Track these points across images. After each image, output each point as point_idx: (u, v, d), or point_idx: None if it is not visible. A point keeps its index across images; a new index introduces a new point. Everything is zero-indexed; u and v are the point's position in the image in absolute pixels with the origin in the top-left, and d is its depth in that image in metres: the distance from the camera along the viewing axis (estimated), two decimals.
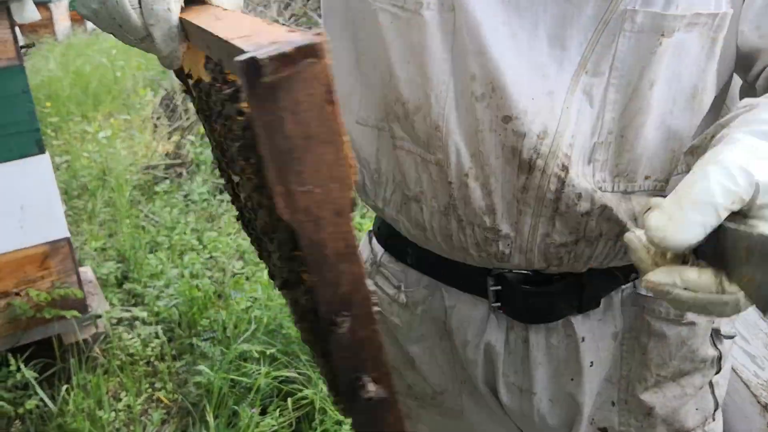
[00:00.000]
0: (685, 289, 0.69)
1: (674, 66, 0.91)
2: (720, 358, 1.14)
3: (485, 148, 0.94)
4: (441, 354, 1.19)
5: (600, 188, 0.94)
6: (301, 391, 2.61)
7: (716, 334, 1.13)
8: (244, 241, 3.68)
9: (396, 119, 1.01)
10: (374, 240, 1.25)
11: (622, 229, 0.95)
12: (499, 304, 1.08)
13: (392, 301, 1.20)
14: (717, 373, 1.15)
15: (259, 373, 2.63)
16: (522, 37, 0.91)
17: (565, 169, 0.92)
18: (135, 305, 3.40)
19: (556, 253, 0.99)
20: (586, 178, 0.93)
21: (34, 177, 2.68)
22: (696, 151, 0.85)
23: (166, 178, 4.81)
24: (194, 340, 3.02)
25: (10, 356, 2.73)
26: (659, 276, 0.71)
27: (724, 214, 0.67)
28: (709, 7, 0.88)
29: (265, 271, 3.17)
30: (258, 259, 3.47)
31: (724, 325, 1.14)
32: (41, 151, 2.67)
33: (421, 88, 0.96)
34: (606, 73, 0.90)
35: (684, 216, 0.66)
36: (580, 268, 1.01)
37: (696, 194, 0.67)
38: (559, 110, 0.91)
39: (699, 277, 0.68)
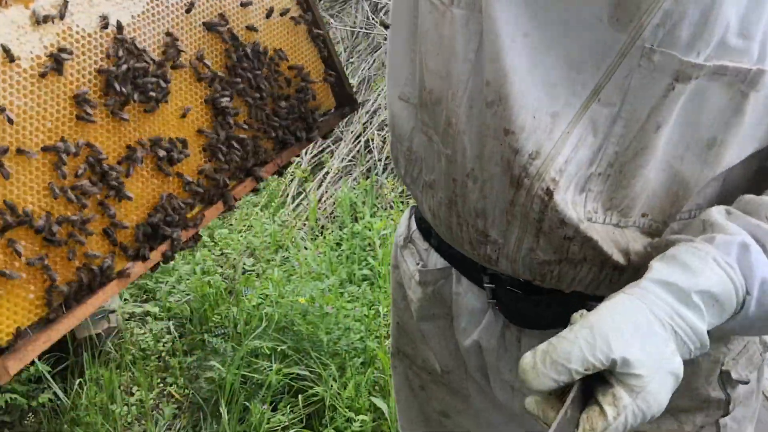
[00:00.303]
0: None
1: (691, 112, 0.88)
2: (728, 402, 1.11)
3: (487, 154, 0.96)
4: (450, 335, 1.23)
5: (590, 218, 0.93)
6: (311, 388, 2.63)
7: (727, 378, 1.10)
8: (255, 238, 3.71)
9: (424, 105, 1.04)
10: (413, 216, 1.29)
11: (608, 258, 0.94)
12: (495, 301, 1.10)
13: (411, 276, 1.25)
14: (725, 415, 1.13)
15: (271, 370, 2.65)
16: (540, 52, 0.89)
17: (549, 193, 0.91)
18: (146, 301, 3.43)
19: (539, 268, 1.00)
20: (576, 207, 0.93)
21: None
22: (656, 248, 0.90)
23: None
24: (205, 336, 3.05)
25: None
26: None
27: (578, 376, 0.76)
28: (742, 62, 0.85)
29: (276, 269, 3.19)
30: (269, 257, 3.50)
31: (740, 369, 1.11)
32: None
33: (443, 81, 0.98)
34: (617, 105, 0.88)
35: (540, 371, 0.77)
36: (564, 288, 1.01)
37: (558, 354, 0.76)
38: (558, 133, 0.90)
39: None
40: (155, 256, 0.98)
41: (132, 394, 2.82)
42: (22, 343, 0.83)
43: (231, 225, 4.04)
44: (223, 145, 1.05)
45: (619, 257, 0.94)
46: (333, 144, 4.68)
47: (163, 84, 0.96)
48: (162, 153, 0.97)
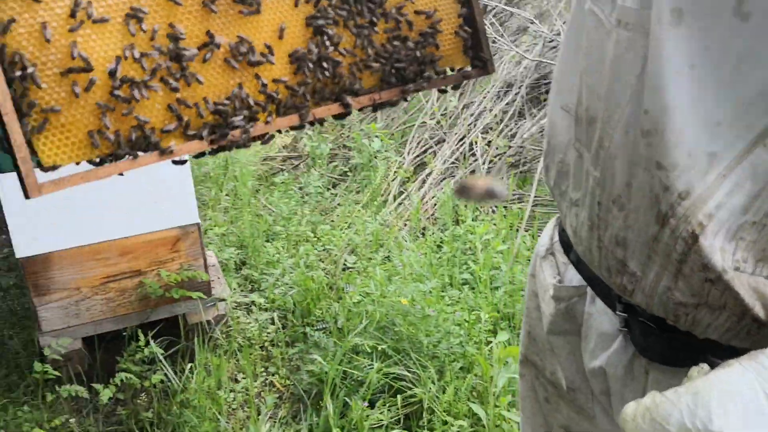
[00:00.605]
0: None
1: None
2: None
3: (636, 184, 0.93)
4: (578, 354, 1.22)
5: (737, 268, 0.88)
6: (410, 389, 2.65)
7: None
8: (356, 236, 3.77)
9: (579, 121, 1.03)
10: (557, 227, 1.29)
11: (749, 310, 0.89)
12: (626, 329, 1.08)
13: (546, 289, 1.25)
14: None
15: (371, 368, 2.69)
16: (706, 86, 0.84)
17: (694, 236, 0.87)
18: (251, 291, 3.55)
19: (675, 309, 0.96)
20: (723, 254, 0.88)
21: (173, 166, 2.83)
22: None
23: (283, 169, 4.97)
24: (307, 330, 3.13)
25: (140, 332, 2.91)
26: None
27: None
28: None
29: (378, 267, 3.23)
30: (370, 255, 3.55)
31: None
32: None
33: (601, 101, 0.96)
34: None
35: (639, 425, 0.76)
36: (699, 333, 0.97)
37: (658, 413, 0.75)
38: (713, 175, 0.85)
39: None
40: (217, 142, 1.01)
41: (237, 381, 2.93)
42: (63, 175, 0.91)
43: (333, 221, 4.13)
44: (310, 62, 1.06)
45: (760, 311, 0.89)
46: (436, 145, 4.69)
47: None
48: (244, 49, 1.00)
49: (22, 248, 2.71)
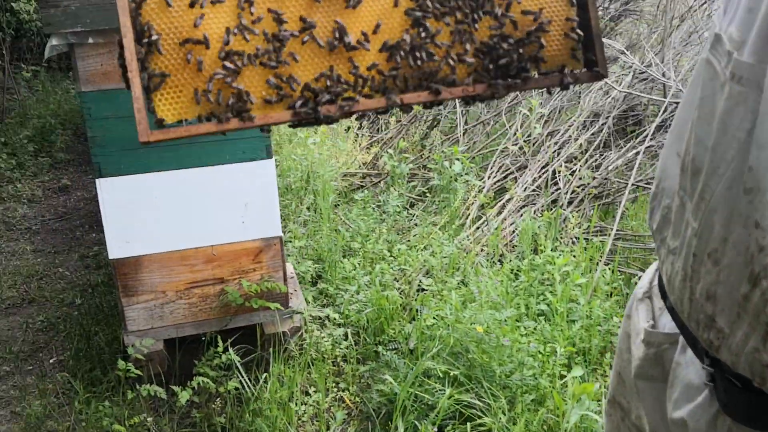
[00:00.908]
0: None
1: None
2: None
3: (732, 240, 0.92)
4: (664, 401, 1.20)
5: None
6: (480, 417, 2.64)
7: None
8: (432, 258, 3.77)
9: (685, 170, 1.02)
10: (658, 271, 1.28)
11: None
12: (713, 384, 1.05)
13: (638, 333, 1.24)
14: None
15: (442, 392, 2.68)
16: None
17: None
18: (325, 305, 3.60)
19: (761, 371, 0.93)
20: None
21: (260, 179, 2.92)
22: None
23: (362, 186, 5.03)
24: (379, 348, 3.15)
25: (218, 338, 2.99)
26: None
27: None
28: None
29: (454, 291, 3.23)
30: (445, 278, 3.55)
31: None
32: (269, 156, 2.91)
33: (707, 153, 0.95)
34: None
35: None
36: None
37: None
38: None
39: None
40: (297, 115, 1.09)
41: (308, 395, 2.97)
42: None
43: (408, 241, 4.15)
44: (403, 50, 1.11)
45: None
46: (517, 171, 4.66)
47: None
48: (338, 34, 1.09)
49: (115, 250, 2.83)
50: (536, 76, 1.17)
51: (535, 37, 1.15)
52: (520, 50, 1.15)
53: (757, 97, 0.87)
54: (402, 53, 1.11)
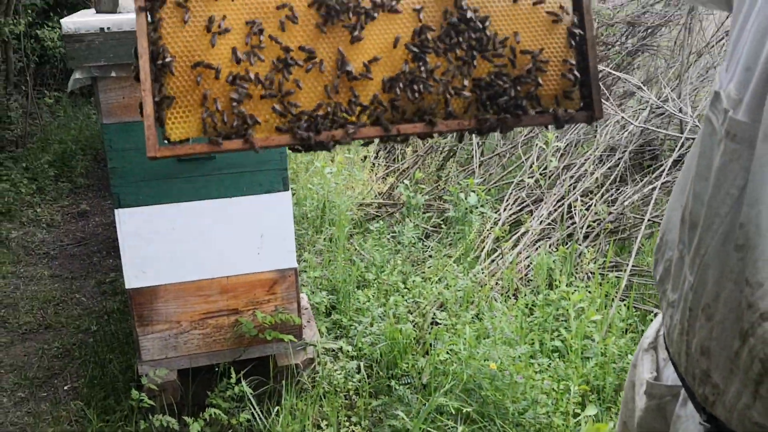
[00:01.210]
0: None
1: None
2: None
3: (724, 296, 0.92)
4: None
5: None
6: None
7: None
8: (447, 290, 3.77)
9: (683, 224, 1.03)
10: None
11: None
12: None
13: (641, 384, 1.24)
14: None
15: (455, 430, 2.67)
16: None
17: None
18: (338, 337, 3.60)
19: (752, 428, 0.93)
20: None
21: (276, 210, 2.94)
22: None
23: (378, 216, 5.05)
24: (392, 383, 3.13)
25: (232, 369, 2.99)
26: None
27: None
28: None
29: (468, 326, 3.22)
30: (460, 311, 3.54)
31: None
32: (285, 188, 2.93)
33: (703, 208, 0.96)
34: None
35: None
36: None
37: None
38: None
39: None
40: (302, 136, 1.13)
41: (320, 429, 2.96)
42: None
43: (423, 273, 4.14)
44: (402, 83, 1.15)
45: None
46: (533, 204, 4.66)
47: (363, 18, 1.13)
48: (339, 63, 1.13)
49: (132, 280, 2.85)
50: (532, 113, 1.19)
51: (532, 76, 1.18)
52: (517, 87, 1.18)
53: (749, 155, 0.88)
54: (401, 85, 1.16)
